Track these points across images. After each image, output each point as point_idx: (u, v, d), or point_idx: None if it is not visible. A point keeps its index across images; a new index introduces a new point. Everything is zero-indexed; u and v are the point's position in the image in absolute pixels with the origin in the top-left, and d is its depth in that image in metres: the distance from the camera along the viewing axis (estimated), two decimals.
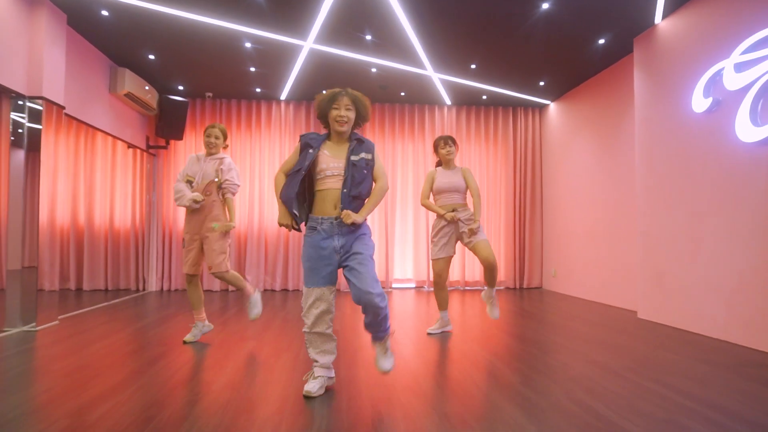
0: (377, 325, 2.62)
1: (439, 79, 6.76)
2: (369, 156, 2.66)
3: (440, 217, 4.22)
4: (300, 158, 2.66)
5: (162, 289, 7.48)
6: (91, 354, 3.55)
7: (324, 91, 2.70)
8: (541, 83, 6.90)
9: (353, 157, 2.61)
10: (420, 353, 3.66)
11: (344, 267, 2.61)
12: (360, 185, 2.62)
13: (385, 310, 2.57)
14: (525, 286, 8.03)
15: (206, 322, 4.07)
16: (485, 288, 4.38)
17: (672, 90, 4.72)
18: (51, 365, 3.25)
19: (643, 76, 5.19)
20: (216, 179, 3.94)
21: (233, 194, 4.02)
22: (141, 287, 7.37)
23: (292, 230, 2.78)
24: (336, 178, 2.61)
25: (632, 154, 5.68)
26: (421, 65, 6.16)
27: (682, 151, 4.57)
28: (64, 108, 4.77)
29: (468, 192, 4.33)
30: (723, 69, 4.04)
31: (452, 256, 4.31)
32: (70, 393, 2.68)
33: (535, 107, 8.19)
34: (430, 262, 5.15)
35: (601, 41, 5.42)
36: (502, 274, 8.06)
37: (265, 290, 7.60)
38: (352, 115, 2.65)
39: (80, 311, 5.39)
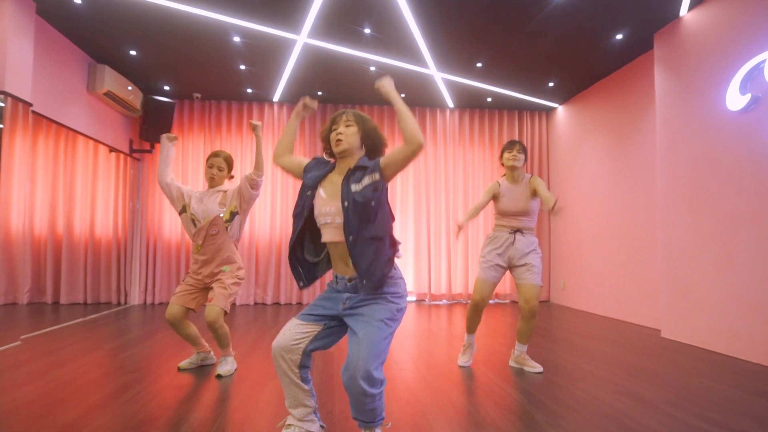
0: (361, 412, 1.92)
1: (442, 79, 6.35)
2: (376, 176, 1.99)
3: (461, 227, 3.40)
4: (299, 198, 2.13)
5: (145, 302, 7.00)
6: (48, 383, 3.08)
7: None
8: (551, 84, 6.50)
9: (354, 187, 1.96)
10: (426, 381, 3.20)
11: (348, 323, 2.00)
12: (371, 222, 1.94)
13: (374, 400, 1.88)
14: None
15: (206, 352, 3.58)
16: (515, 349, 3.57)
17: (700, 88, 4.32)
18: (3, 396, 2.79)
19: (664, 74, 4.79)
20: (221, 215, 3.37)
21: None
22: (123, 300, 6.89)
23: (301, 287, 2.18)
24: (333, 228, 2.01)
25: (651, 158, 5.27)
26: (423, 63, 5.75)
27: (713, 152, 4.15)
28: (31, 105, 4.32)
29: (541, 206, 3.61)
30: (764, 62, 3.63)
31: (496, 283, 3.53)
32: (23, 431, 2.22)
33: (542, 110, 7.80)
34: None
35: (618, 37, 5.03)
36: (507, 286, 7.62)
37: (256, 304, 7.13)
38: (352, 131, 2.06)
39: (49, 329, 4.90)
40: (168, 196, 3.47)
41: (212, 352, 3.61)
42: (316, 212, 2.05)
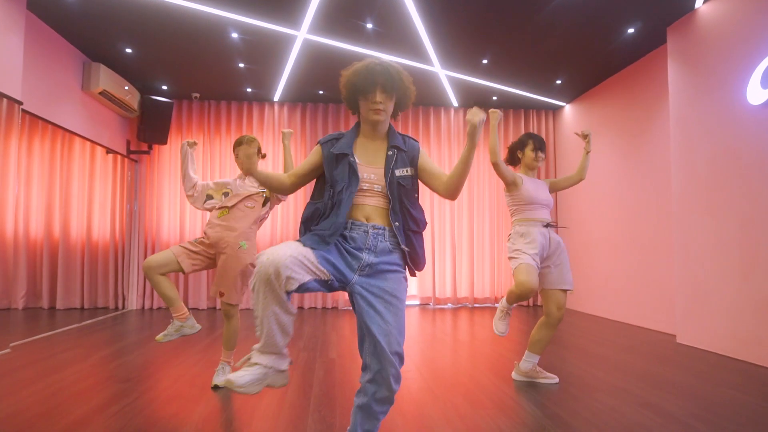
0: (372, 419, 1.75)
1: (446, 77, 6.17)
2: (411, 171, 1.88)
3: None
4: (338, 175, 1.81)
5: (143, 307, 6.83)
6: (34, 393, 2.91)
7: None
8: (558, 81, 6.32)
9: (398, 172, 1.83)
10: (432, 391, 3.02)
11: (361, 299, 1.74)
12: (413, 216, 1.86)
13: (393, 401, 1.75)
14: (538, 303, 7.40)
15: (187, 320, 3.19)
16: (523, 360, 3.24)
17: (717, 82, 4.13)
18: None
19: (679, 69, 4.61)
20: (262, 192, 3.22)
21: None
22: (120, 305, 6.73)
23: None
24: (373, 195, 1.82)
25: (664, 157, 5.08)
26: (427, 60, 5.58)
27: (732, 149, 3.96)
28: (21, 103, 4.16)
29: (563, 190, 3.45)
30: None
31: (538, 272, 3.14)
32: None
33: (548, 109, 7.61)
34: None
35: (629, 31, 4.84)
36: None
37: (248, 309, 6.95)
38: (391, 103, 1.83)
39: (42, 335, 4.74)
40: (193, 198, 3.28)
41: (191, 319, 3.11)
42: (358, 176, 1.81)
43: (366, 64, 1.80)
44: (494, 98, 7.01)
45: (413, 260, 1.88)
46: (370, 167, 1.84)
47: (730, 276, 3.96)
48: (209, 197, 3.25)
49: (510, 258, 3.19)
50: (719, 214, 4.08)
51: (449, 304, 7.33)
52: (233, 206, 3.14)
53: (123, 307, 6.72)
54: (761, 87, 3.63)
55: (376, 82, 1.77)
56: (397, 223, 1.81)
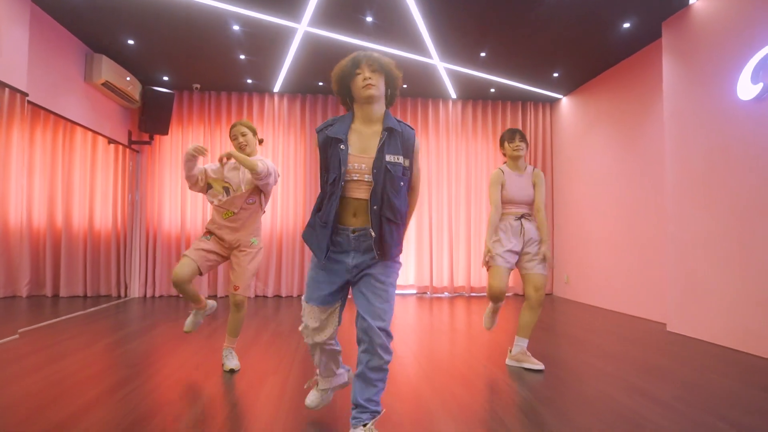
0: (370, 386, 1.92)
1: (445, 69, 6.24)
2: (406, 161, 1.97)
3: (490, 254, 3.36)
4: (330, 162, 1.95)
5: (145, 295, 6.94)
6: (43, 378, 3.02)
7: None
8: (555, 74, 6.39)
9: (388, 157, 1.92)
10: (428, 377, 3.14)
11: (355, 290, 2.02)
12: (393, 205, 1.93)
13: (387, 371, 1.94)
14: None
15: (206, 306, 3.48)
16: (514, 345, 3.41)
17: (710, 77, 4.22)
18: None
19: (673, 64, 4.69)
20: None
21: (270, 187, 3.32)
22: (123, 293, 6.83)
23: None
24: (360, 185, 1.94)
25: (659, 150, 5.17)
26: (426, 52, 5.64)
27: (724, 143, 4.06)
28: (26, 95, 4.23)
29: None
30: None
31: (511, 270, 3.39)
32: (16, 427, 2.16)
33: (545, 102, 7.69)
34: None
35: (625, 26, 4.92)
36: (511, 279, 7.53)
37: (257, 296, 7.07)
38: (380, 80, 1.96)
39: (49, 322, 4.84)
40: (197, 188, 3.34)
41: (209, 302, 3.50)
42: (348, 165, 1.93)
43: (350, 55, 1.99)
44: (492, 90, 7.08)
45: (381, 247, 1.94)
46: (362, 156, 1.93)
47: (720, 267, 4.07)
48: (210, 186, 3.31)
49: (484, 258, 3.41)
50: (711, 208, 4.18)
51: (446, 293, 7.45)
52: (238, 210, 3.23)
53: (125, 296, 6.83)
54: (751, 83, 3.71)
55: (361, 61, 1.95)
56: (375, 207, 1.90)
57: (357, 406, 1.93)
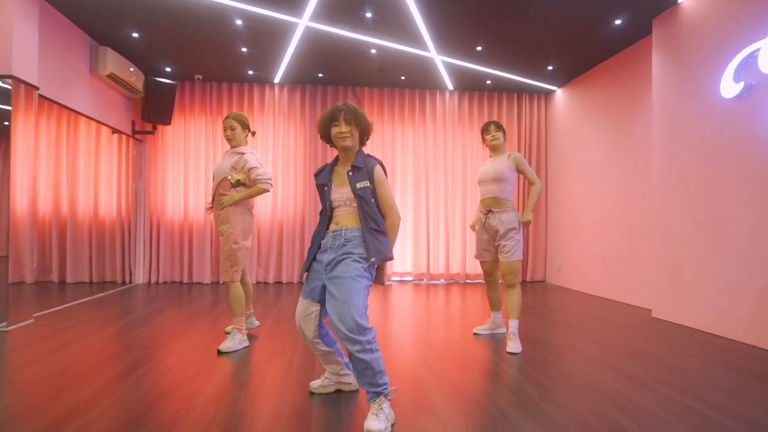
0: (361, 374, 2.21)
1: (442, 62, 6.39)
2: (370, 185, 2.39)
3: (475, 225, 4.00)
4: (321, 198, 2.53)
5: (149, 281, 7.13)
6: (64, 359, 3.22)
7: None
8: (550, 67, 6.54)
9: (358, 185, 2.38)
10: (424, 358, 3.35)
11: (326, 286, 2.38)
12: (373, 218, 2.37)
13: (368, 352, 2.17)
14: (528, 279, 7.74)
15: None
16: (492, 320, 4.11)
17: (696, 74, 4.39)
18: (18, 373, 2.93)
19: (662, 60, 4.86)
20: (229, 177, 3.52)
21: (266, 188, 3.54)
22: (127, 280, 7.03)
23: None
24: (341, 209, 2.43)
25: (647, 143, 5.36)
26: (424, 46, 5.79)
27: (707, 139, 4.25)
28: (37, 88, 4.38)
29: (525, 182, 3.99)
30: (758, 50, 3.70)
31: (496, 258, 3.88)
32: (33, 410, 2.36)
33: (540, 93, 7.85)
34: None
35: (617, 22, 5.07)
36: None
37: (258, 283, 7.27)
38: (354, 129, 2.40)
39: (59, 307, 5.05)
40: None
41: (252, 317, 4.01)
42: (330, 198, 2.44)
43: (332, 107, 2.44)
44: (488, 82, 7.23)
45: (371, 252, 2.33)
46: (341, 188, 2.42)
47: (702, 255, 4.28)
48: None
49: None
50: (695, 199, 4.38)
51: (442, 280, 7.66)
52: (213, 200, 3.57)
53: (130, 282, 7.02)
54: (734, 81, 3.89)
55: (339, 115, 2.38)
56: (365, 224, 2.35)
57: (363, 388, 2.27)
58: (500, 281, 3.88)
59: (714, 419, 2.34)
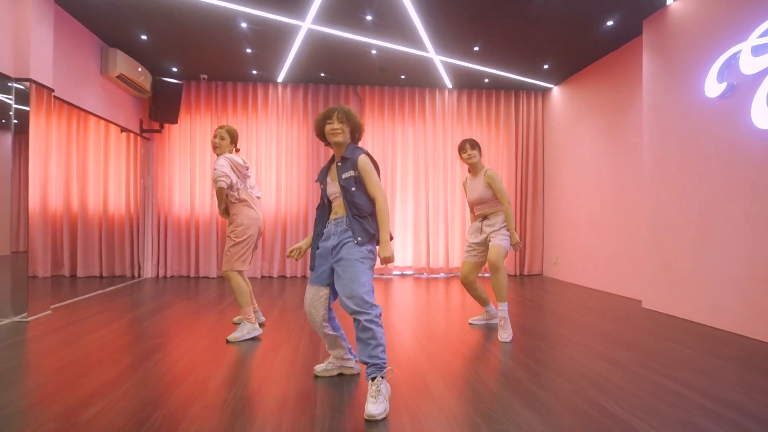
0: (365, 345, 2.43)
1: (440, 62, 6.57)
2: (355, 173, 2.60)
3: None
4: (322, 193, 2.79)
5: (158, 275, 7.36)
6: (84, 347, 3.44)
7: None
8: (546, 66, 6.72)
9: (343, 176, 2.62)
10: (423, 347, 3.56)
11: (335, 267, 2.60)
12: (355, 205, 2.59)
13: (375, 325, 2.43)
14: (526, 273, 7.94)
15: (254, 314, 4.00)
16: (486, 311, 4.31)
17: (683, 74, 4.57)
18: (42, 360, 3.14)
19: (652, 60, 5.03)
20: (215, 180, 3.78)
21: (219, 184, 3.73)
22: (136, 274, 7.25)
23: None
24: (340, 199, 2.66)
25: (639, 139, 5.54)
26: (422, 47, 5.98)
27: (693, 136, 4.43)
28: (53, 91, 4.58)
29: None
30: (739, 52, 3.89)
31: (477, 262, 4.09)
32: (61, 391, 2.57)
33: (537, 91, 8.02)
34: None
35: (609, 23, 5.25)
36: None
37: (263, 277, 7.49)
38: (345, 126, 2.63)
39: (73, 300, 5.28)
40: None
41: (259, 312, 4.22)
42: (327, 192, 2.72)
43: (328, 108, 2.68)
44: (486, 80, 7.41)
45: (353, 231, 2.57)
46: (335, 182, 2.66)
47: (689, 247, 4.47)
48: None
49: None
50: (682, 194, 4.57)
51: (442, 274, 7.87)
52: (225, 205, 3.92)
53: (139, 276, 7.24)
54: (717, 81, 4.07)
55: (332, 114, 2.63)
56: (348, 211, 2.59)
57: (364, 363, 2.44)
58: (478, 276, 4.18)
59: (686, 396, 2.54)
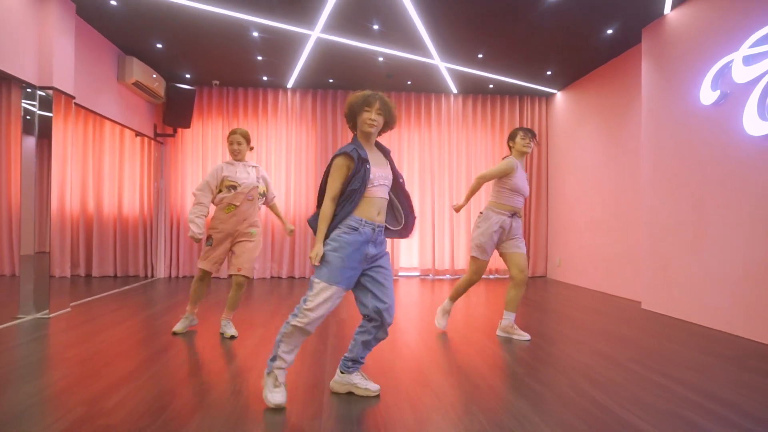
0: (370, 347, 2.61)
1: (445, 68, 6.74)
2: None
3: (459, 207, 3.95)
4: (358, 175, 2.40)
5: (170, 276, 7.56)
6: (103, 341, 3.62)
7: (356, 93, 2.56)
8: (548, 72, 6.87)
9: (395, 166, 2.62)
10: (426, 343, 3.72)
11: (365, 276, 2.50)
12: (405, 197, 2.64)
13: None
14: (529, 275, 8.07)
15: (195, 314, 4.07)
16: (503, 319, 3.92)
17: (680, 81, 4.70)
18: (65, 353, 3.33)
19: (650, 67, 5.17)
20: (257, 185, 3.90)
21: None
22: (149, 274, 7.46)
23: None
24: (383, 188, 2.51)
25: (638, 144, 5.67)
26: (428, 54, 6.14)
27: (689, 142, 4.56)
28: (74, 98, 4.80)
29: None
30: (732, 61, 4.02)
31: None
32: (85, 381, 2.75)
33: (541, 96, 8.16)
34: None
35: (609, 31, 5.39)
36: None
37: (272, 277, 7.67)
38: (381, 120, 2.49)
39: (91, 298, 5.48)
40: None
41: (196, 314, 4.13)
42: (371, 177, 2.44)
43: (368, 92, 2.51)
44: (490, 86, 7.56)
45: (407, 226, 2.68)
46: (383, 168, 2.52)
47: (686, 250, 4.60)
48: (216, 194, 3.87)
49: (474, 242, 3.92)
50: (679, 198, 4.70)
51: (448, 275, 8.01)
52: (240, 203, 3.83)
53: (152, 276, 7.45)
54: (711, 89, 4.21)
55: (374, 103, 2.46)
56: (399, 203, 2.64)
57: (356, 361, 2.61)
58: (510, 277, 3.91)
59: (678, 392, 2.67)
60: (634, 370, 3.05)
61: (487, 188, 7.45)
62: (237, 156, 3.88)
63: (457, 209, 3.94)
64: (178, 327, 3.92)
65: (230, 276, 3.88)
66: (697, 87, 4.44)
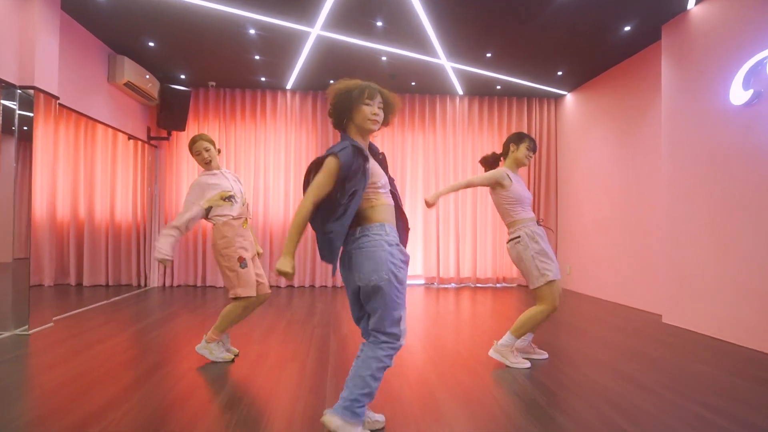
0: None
1: (451, 68, 6.45)
2: None
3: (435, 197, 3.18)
4: (359, 177, 2.02)
5: (164, 285, 7.26)
6: (87, 361, 3.32)
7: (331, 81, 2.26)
8: (559, 73, 6.58)
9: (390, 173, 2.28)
10: (432, 360, 3.41)
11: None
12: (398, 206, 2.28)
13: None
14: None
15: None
16: (504, 340, 3.39)
17: (705, 80, 4.41)
18: (44, 375, 3.04)
19: (671, 66, 4.88)
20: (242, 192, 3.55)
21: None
22: (142, 283, 7.16)
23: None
24: (387, 194, 2.18)
25: (656, 147, 5.38)
26: (433, 53, 5.86)
27: (715, 144, 4.27)
28: (57, 98, 4.51)
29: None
30: (766, 58, 3.73)
31: None
32: (64, 408, 2.47)
33: (550, 98, 7.87)
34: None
35: (627, 28, 5.10)
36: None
37: (271, 287, 7.37)
38: (381, 116, 2.14)
39: (77, 311, 5.18)
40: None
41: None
42: (373, 180, 2.09)
43: (364, 83, 2.12)
44: (498, 87, 7.28)
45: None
46: (381, 172, 2.19)
47: (710, 260, 4.30)
48: (209, 209, 3.32)
49: (538, 268, 3.29)
50: (702, 204, 4.40)
51: (453, 284, 7.71)
52: (246, 214, 3.48)
53: (145, 285, 7.15)
54: (743, 88, 3.91)
55: (375, 95, 2.09)
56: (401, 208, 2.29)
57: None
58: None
59: (715, 423, 2.37)
60: (667, 398, 2.74)
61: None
62: (212, 163, 3.40)
63: (429, 204, 3.15)
64: (216, 356, 3.38)
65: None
66: (725, 86, 4.15)
